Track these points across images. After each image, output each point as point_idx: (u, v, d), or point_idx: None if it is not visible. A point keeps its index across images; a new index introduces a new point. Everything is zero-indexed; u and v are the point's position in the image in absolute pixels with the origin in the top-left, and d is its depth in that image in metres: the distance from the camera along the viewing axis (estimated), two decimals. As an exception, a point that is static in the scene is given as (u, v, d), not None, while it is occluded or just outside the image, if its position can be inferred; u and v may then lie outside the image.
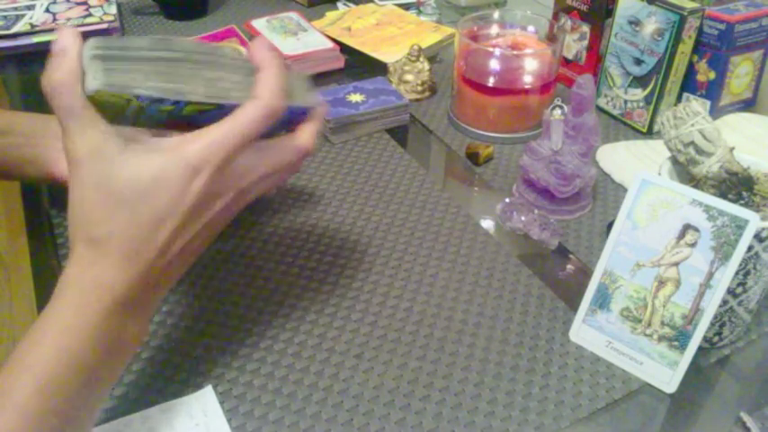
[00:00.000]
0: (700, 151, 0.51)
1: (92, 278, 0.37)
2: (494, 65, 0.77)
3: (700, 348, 0.48)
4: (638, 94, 0.78)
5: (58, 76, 0.35)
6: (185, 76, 0.39)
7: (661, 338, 0.49)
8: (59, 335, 0.36)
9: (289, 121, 0.43)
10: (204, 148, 0.37)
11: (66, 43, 0.35)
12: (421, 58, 0.86)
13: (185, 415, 0.46)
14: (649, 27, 0.74)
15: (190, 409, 0.46)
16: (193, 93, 0.38)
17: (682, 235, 0.47)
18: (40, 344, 0.36)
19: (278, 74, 0.39)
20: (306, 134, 0.43)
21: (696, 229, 0.46)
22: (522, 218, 0.63)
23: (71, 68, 0.35)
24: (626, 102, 0.80)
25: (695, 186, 0.50)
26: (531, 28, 0.82)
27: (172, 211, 0.37)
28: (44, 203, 0.66)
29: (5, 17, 0.95)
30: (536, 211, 0.63)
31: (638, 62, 0.77)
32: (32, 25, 0.93)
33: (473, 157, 0.74)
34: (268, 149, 0.41)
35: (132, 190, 0.36)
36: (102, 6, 1.00)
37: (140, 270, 0.37)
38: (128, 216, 0.36)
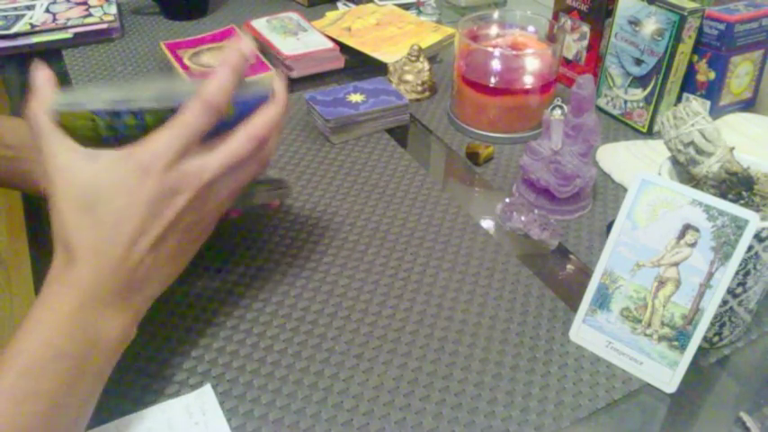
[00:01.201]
0: (700, 151, 0.51)
1: (64, 276, 0.41)
2: (494, 65, 0.77)
3: (700, 348, 0.48)
4: (638, 94, 0.78)
5: (32, 106, 0.42)
6: (138, 88, 0.43)
7: (661, 338, 0.49)
8: (37, 326, 0.40)
9: (246, 114, 0.45)
10: (152, 149, 0.41)
11: (39, 81, 0.43)
12: (421, 58, 0.86)
13: (184, 414, 0.46)
14: (649, 27, 0.74)
15: (189, 407, 0.46)
16: (144, 98, 0.42)
17: (682, 235, 0.47)
18: (20, 337, 0.39)
19: (223, 71, 0.42)
20: (257, 121, 0.45)
21: (696, 229, 0.46)
22: (522, 218, 0.63)
23: (43, 100, 0.42)
24: (626, 102, 0.80)
25: (695, 186, 0.50)
26: (531, 28, 0.82)
27: (130, 210, 0.41)
28: (44, 205, 0.66)
29: (5, 17, 0.95)
30: (536, 211, 0.63)
31: (638, 62, 0.77)
32: (32, 25, 0.93)
33: (473, 157, 0.74)
34: (219, 145, 0.43)
35: (94, 196, 0.40)
36: (102, 6, 1.00)
37: (109, 267, 0.41)
38: (91, 220, 0.40)
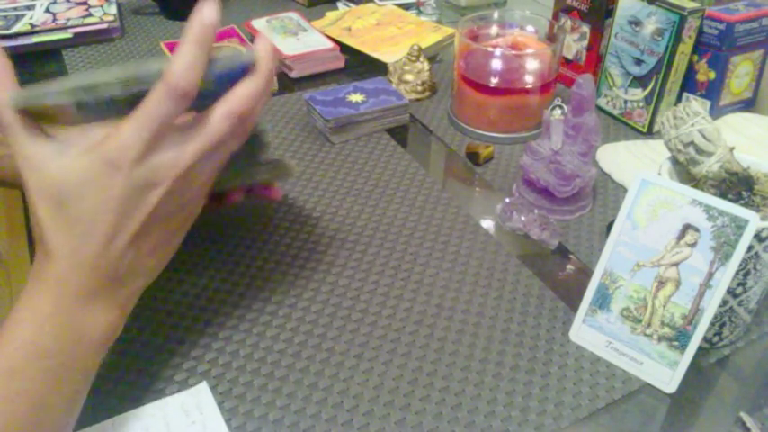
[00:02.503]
0: (700, 151, 0.51)
1: (46, 273, 0.40)
2: (494, 65, 0.77)
3: (700, 348, 0.48)
4: (638, 94, 0.78)
5: None
6: (102, 74, 0.39)
7: (661, 338, 0.49)
8: (18, 325, 0.39)
9: (229, 84, 0.40)
10: (118, 142, 0.38)
11: None
12: (421, 58, 0.86)
13: (180, 412, 0.46)
14: (649, 27, 0.74)
15: (185, 406, 0.46)
16: (109, 83, 0.38)
17: (682, 235, 0.47)
18: (3, 335, 0.39)
19: (186, 49, 0.37)
20: (234, 96, 0.40)
21: (696, 229, 0.46)
22: (522, 218, 0.63)
23: (3, 90, 0.39)
24: (626, 102, 0.80)
25: (695, 186, 0.50)
26: (530, 28, 0.82)
27: (101, 209, 0.39)
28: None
29: (5, 17, 0.95)
30: (536, 211, 0.63)
31: (638, 62, 0.77)
32: (32, 25, 0.93)
33: (473, 157, 0.74)
34: (194, 127, 0.40)
35: (64, 194, 0.38)
36: (102, 6, 1.00)
37: (86, 263, 0.40)
38: (65, 218, 0.39)
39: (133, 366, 0.49)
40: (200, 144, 0.40)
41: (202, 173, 0.42)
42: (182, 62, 0.37)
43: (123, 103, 0.38)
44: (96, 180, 0.38)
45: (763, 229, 0.45)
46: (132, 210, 0.39)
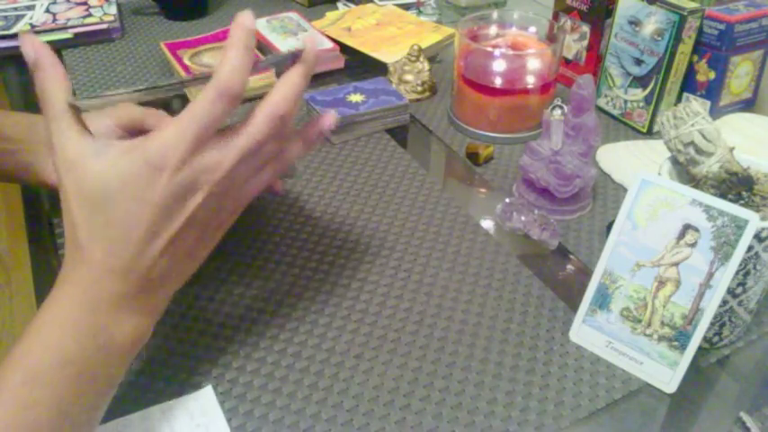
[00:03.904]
0: (700, 151, 0.51)
1: (76, 277, 0.39)
2: (494, 65, 0.77)
3: (700, 348, 0.48)
4: (638, 94, 0.78)
5: (46, 85, 0.39)
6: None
7: (661, 338, 0.49)
8: (44, 329, 0.37)
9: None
10: (162, 145, 0.37)
11: (36, 55, 0.40)
12: (421, 58, 0.86)
13: (185, 415, 0.46)
14: (649, 27, 0.74)
15: (189, 409, 0.46)
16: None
17: (682, 235, 0.47)
18: (28, 339, 0.37)
19: (232, 53, 0.38)
20: (275, 95, 0.40)
21: (696, 229, 0.46)
22: (522, 218, 0.63)
23: (55, 77, 0.39)
24: (626, 102, 0.80)
25: (695, 186, 0.50)
26: (531, 28, 0.82)
27: (140, 212, 0.38)
28: (44, 204, 0.67)
29: (5, 17, 0.95)
30: (536, 212, 0.63)
31: (638, 62, 0.77)
32: (32, 25, 0.93)
33: (473, 157, 0.74)
34: (237, 129, 0.40)
35: (103, 195, 0.37)
36: (102, 6, 1.00)
37: (121, 269, 0.39)
38: (102, 220, 0.38)
39: (133, 367, 0.49)
40: (242, 146, 0.39)
41: (242, 176, 0.41)
42: (230, 65, 0.37)
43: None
44: (137, 182, 0.37)
45: (763, 229, 0.45)
46: (171, 214, 0.38)
